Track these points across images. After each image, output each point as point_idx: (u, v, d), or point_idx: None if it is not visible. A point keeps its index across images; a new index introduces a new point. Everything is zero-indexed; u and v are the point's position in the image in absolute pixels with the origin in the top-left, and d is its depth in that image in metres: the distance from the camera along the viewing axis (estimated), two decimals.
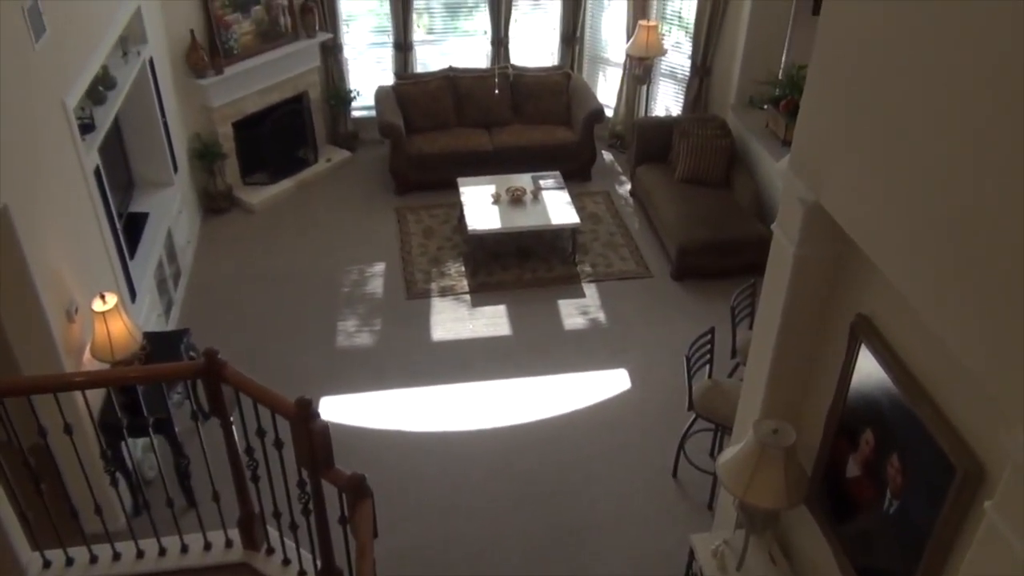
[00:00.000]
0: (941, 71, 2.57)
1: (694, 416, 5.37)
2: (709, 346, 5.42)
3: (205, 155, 7.96)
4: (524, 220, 7.51)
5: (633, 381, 6.41)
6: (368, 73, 9.29)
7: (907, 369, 3.24)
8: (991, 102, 2.31)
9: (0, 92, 4.07)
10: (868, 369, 3.49)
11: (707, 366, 5.50)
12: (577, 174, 8.60)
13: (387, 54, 9.16)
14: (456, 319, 7.04)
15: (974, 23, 2.38)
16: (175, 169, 7.31)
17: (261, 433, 3.61)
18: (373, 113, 9.14)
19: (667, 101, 9.19)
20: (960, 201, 2.49)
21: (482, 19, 9.14)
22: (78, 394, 3.95)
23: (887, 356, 3.35)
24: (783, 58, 8.05)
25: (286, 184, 8.61)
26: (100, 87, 5.83)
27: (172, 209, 7.09)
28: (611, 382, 6.40)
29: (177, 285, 7.09)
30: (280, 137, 8.63)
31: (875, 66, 2.98)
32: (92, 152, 5.36)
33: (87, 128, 5.43)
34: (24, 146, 4.33)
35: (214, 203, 8.21)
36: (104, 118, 5.69)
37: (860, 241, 3.16)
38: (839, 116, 3.22)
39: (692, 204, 7.61)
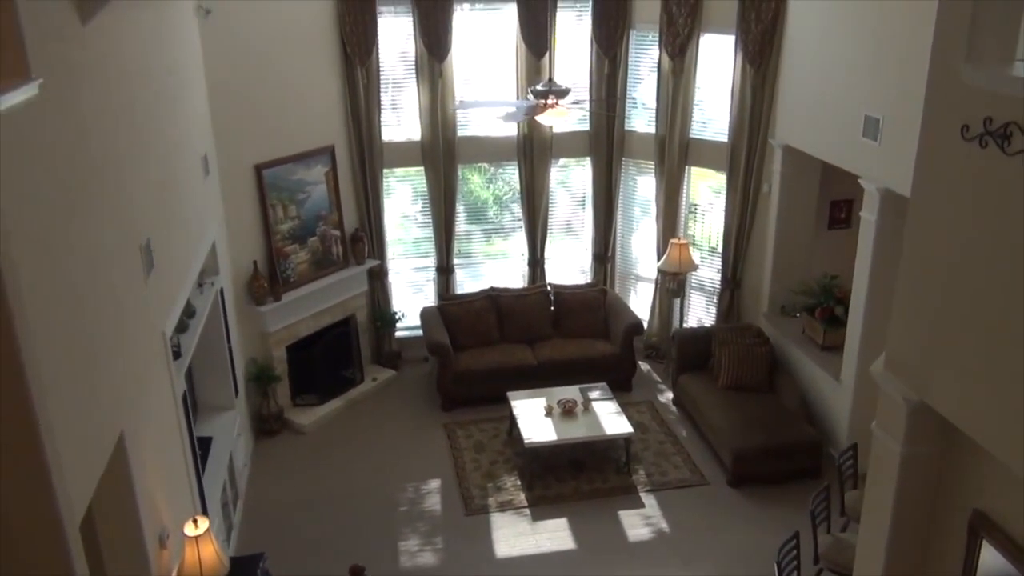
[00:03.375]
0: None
1: None
2: (795, 551, 5.38)
3: (260, 378, 8.16)
4: (578, 431, 7.62)
5: None
6: (410, 296, 9.72)
7: None
8: None
9: (125, 325, 4.32)
10: (995, 565, 3.52)
11: (795, 573, 5.43)
12: (618, 385, 8.79)
13: (429, 277, 9.64)
14: (518, 534, 6.96)
15: None
16: (236, 393, 7.48)
17: None
18: (415, 333, 9.49)
19: (699, 312, 9.59)
20: None
21: (519, 241, 9.69)
22: None
23: (1015, 551, 3.40)
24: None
25: (335, 404, 8.77)
26: (184, 316, 6.11)
27: (232, 433, 7.19)
28: None
29: (236, 509, 7.05)
30: (328, 359, 8.89)
31: (968, 266, 3.26)
32: (180, 378, 5.55)
33: (175, 355, 5.65)
34: (136, 375, 4.52)
35: (266, 425, 8.32)
36: (188, 345, 5.93)
37: (974, 434, 3.31)
38: (938, 315, 3.46)
39: (741, 410, 7.76)
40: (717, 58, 8.66)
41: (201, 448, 6.69)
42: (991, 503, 3.52)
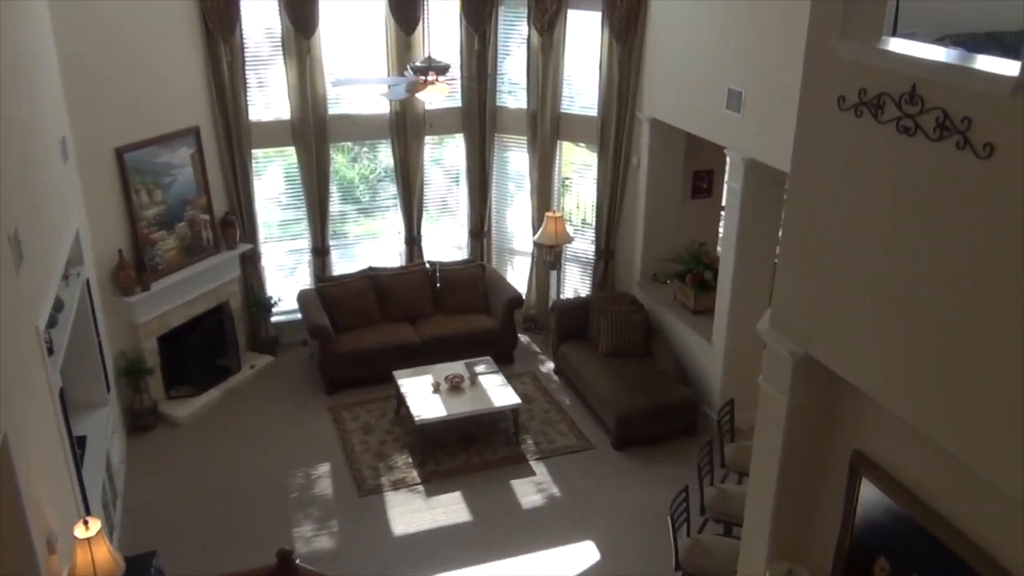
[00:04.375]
0: (912, 216, 3.15)
1: (681, 574, 5.54)
2: (685, 504, 5.68)
3: (131, 372, 7.81)
4: (467, 405, 7.71)
5: (603, 552, 6.53)
6: (285, 280, 9.50)
7: (915, 495, 3.62)
8: (964, 239, 2.86)
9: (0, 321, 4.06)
10: (873, 500, 3.85)
11: (685, 524, 5.73)
12: (501, 358, 8.92)
13: (303, 259, 9.45)
14: (414, 511, 7.00)
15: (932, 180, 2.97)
16: (108, 389, 7.13)
17: None
18: (292, 318, 9.30)
19: (575, 283, 9.85)
20: (946, 321, 3.05)
21: (395, 220, 9.64)
22: None
23: (891, 486, 3.73)
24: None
25: (212, 395, 8.49)
26: (52, 310, 5.77)
27: (107, 430, 6.86)
28: (582, 555, 6.49)
29: (116, 508, 6.74)
30: (203, 348, 8.58)
31: (847, 227, 3.54)
32: (56, 375, 5.26)
33: (48, 351, 5.34)
34: (14, 374, 4.26)
35: (140, 420, 7.97)
36: (60, 340, 5.61)
37: (857, 381, 3.61)
38: (820, 274, 3.74)
39: (620, 376, 8.06)
40: (585, 34, 8.86)
41: (79, 448, 6.37)
42: (869, 443, 3.85)
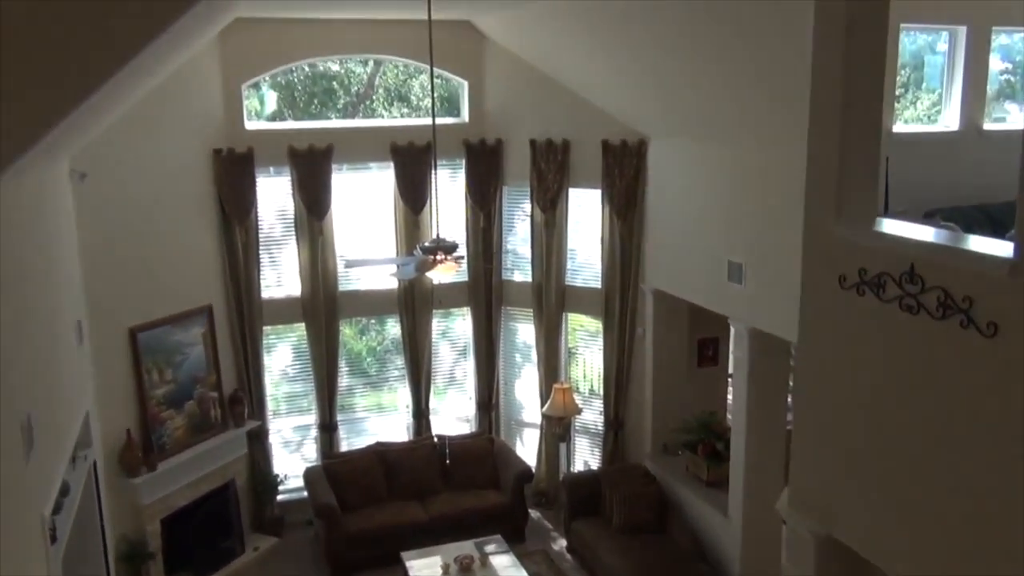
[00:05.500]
0: (924, 392, 3.15)
1: None
2: None
3: (132, 558, 7.58)
4: None
5: None
6: (290, 456, 9.40)
7: None
8: (977, 414, 2.86)
9: (2, 513, 3.99)
10: None
11: None
12: (511, 536, 8.67)
13: (310, 435, 9.39)
14: None
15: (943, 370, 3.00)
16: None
17: None
18: (298, 496, 9.14)
19: (584, 455, 9.72)
20: (967, 498, 2.99)
21: (403, 393, 9.65)
22: None
23: None
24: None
25: None
26: (58, 495, 5.68)
27: None
28: None
29: None
30: (206, 530, 8.38)
31: (859, 403, 3.54)
32: (57, 565, 5.11)
33: (51, 539, 5.22)
34: (13, 567, 4.14)
35: None
36: (64, 527, 5.49)
37: (882, 563, 3.51)
38: (836, 451, 3.70)
39: (636, 554, 7.81)
40: (586, 209, 9.19)
41: None
42: None
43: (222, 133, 8.39)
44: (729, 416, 8.52)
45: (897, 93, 7.37)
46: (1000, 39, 7.86)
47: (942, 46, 7.51)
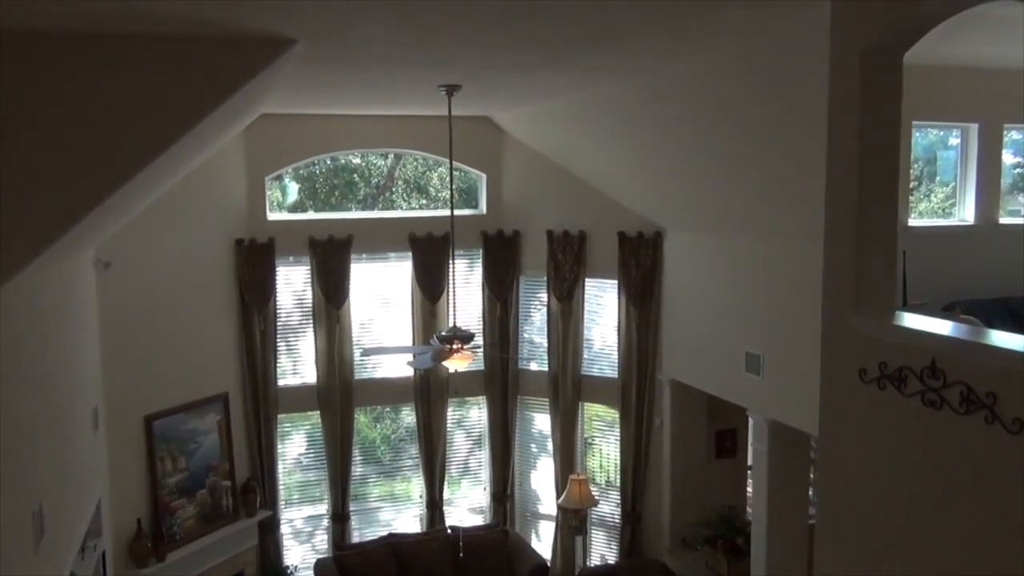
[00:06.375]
0: (951, 489, 3.07)
1: None
2: None
3: None
4: None
5: None
6: (303, 548, 9.24)
7: None
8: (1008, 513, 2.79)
9: None
10: None
11: None
12: None
13: (321, 524, 9.25)
14: None
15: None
16: None
17: None
18: None
19: (600, 549, 9.50)
20: None
21: (417, 483, 9.53)
22: None
23: None
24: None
25: None
26: None
27: None
28: None
29: None
30: None
31: (886, 502, 3.46)
32: None
33: None
34: None
35: None
36: None
37: None
38: (862, 550, 3.61)
39: None
40: (602, 299, 9.23)
41: None
42: None
43: (244, 224, 8.54)
44: (749, 510, 8.34)
45: (911, 186, 7.45)
46: (1012, 134, 7.98)
47: (954, 141, 7.63)
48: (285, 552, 9.04)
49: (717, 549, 8.11)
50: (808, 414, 3.98)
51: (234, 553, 8.37)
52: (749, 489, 8.70)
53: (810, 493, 7.42)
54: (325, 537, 9.26)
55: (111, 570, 7.13)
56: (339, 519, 9.11)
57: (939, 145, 8.30)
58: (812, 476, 7.45)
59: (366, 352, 7.61)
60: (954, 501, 3.14)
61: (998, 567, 2.92)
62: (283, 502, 9.06)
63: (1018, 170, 8.90)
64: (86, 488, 6.19)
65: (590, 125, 7.60)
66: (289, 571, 8.91)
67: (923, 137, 8.15)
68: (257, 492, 8.57)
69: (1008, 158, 8.40)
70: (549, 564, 9.24)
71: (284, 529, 9.07)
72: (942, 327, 3.38)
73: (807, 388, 4.29)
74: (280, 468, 8.95)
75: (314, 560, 8.88)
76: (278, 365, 8.77)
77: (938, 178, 8.55)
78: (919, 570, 3.29)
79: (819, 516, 3.95)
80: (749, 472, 8.64)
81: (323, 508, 9.24)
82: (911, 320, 3.52)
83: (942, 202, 8.47)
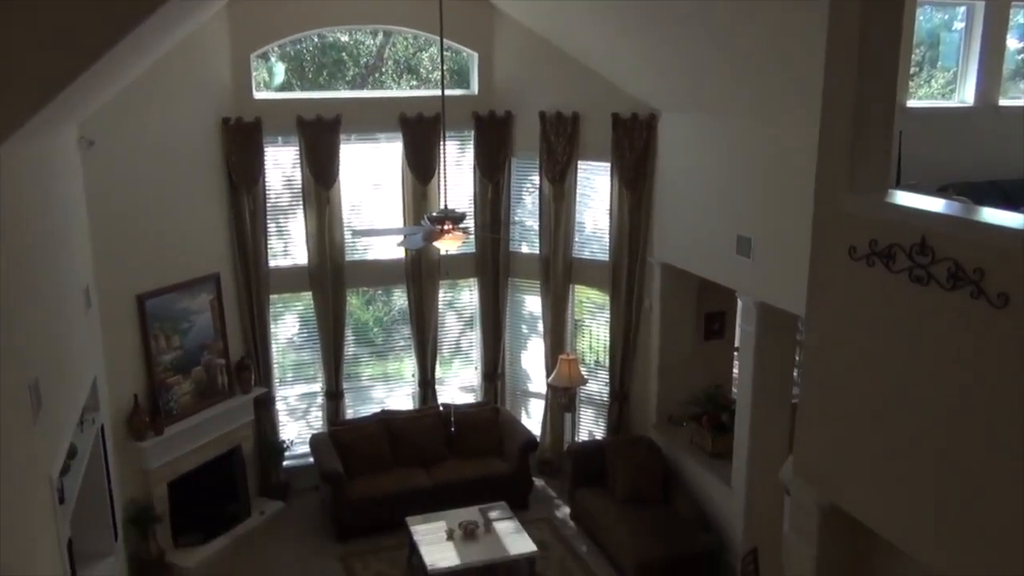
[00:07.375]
0: (931, 363, 3.14)
1: None
2: None
3: (140, 520, 7.66)
4: (481, 553, 7.50)
5: None
6: (298, 424, 9.47)
7: None
8: (984, 385, 2.86)
9: (11, 473, 4.03)
10: None
11: None
12: (515, 503, 8.73)
13: (315, 402, 9.44)
14: None
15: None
16: (116, 537, 6.98)
17: None
18: (303, 462, 9.20)
19: (589, 426, 9.76)
20: (972, 470, 2.99)
21: (409, 363, 9.68)
22: None
23: None
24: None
25: (221, 542, 8.30)
26: (66, 457, 5.73)
27: None
28: None
29: None
30: (213, 494, 8.47)
31: (866, 374, 3.54)
32: (66, 524, 5.17)
33: (60, 500, 5.27)
34: (23, 524, 4.20)
35: (146, 571, 7.75)
36: (72, 488, 5.55)
37: (887, 534, 3.52)
38: (842, 421, 3.71)
39: (639, 523, 7.86)
40: (595, 182, 9.16)
41: None
42: None
43: (230, 102, 8.35)
44: (735, 389, 8.53)
45: (912, 71, 7.30)
46: (1018, 17, 7.77)
47: (958, 24, 7.43)
48: (281, 427, 9.26)
49: (702, 425, 8.34)
50: (796, 296, 4.02)
51: (231, 428, 8.58)
52: (735, 371, 8.88)
53: (795, 374, 7.58)
54: (320, 414, 9.48)
55: (111, 443, 7.31)
56: (333, 397, 9.29)
57: (943, 29, 8.09)
58: (797, 358, 7.58)
59: (357, 233, 7.58)
60: (935, 375, 3.21)
61: (979, 439, 3.01)
62: (277, 380, 9.22)
63: (1022, 56, 8.71)
64: (82, 364, 6.27)
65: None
66: (285, 445, 9.16)
67: (927, 21, 7.94)
68: (252, 370, 8.70)
69: (1012, 43, 8.22)
70: (539, 440, 9.51)
71: (279, 406, 9.26)
72: (933, 205, 3.37)
73: (796, 270, 4.32)
74: (274, 348, 9.07)
75: (309, 435, 9.13)
76: (268, 246, 8.75)
77: (940, 63, 8.37)
78: (896, 442, 3.39)
79: (802, 389, 4.04)
80: (736, 354, 8.80)
81: (317, 386, 9.42)
82: (903, 198, 3.51)
83: (942, 88, 8.32)
